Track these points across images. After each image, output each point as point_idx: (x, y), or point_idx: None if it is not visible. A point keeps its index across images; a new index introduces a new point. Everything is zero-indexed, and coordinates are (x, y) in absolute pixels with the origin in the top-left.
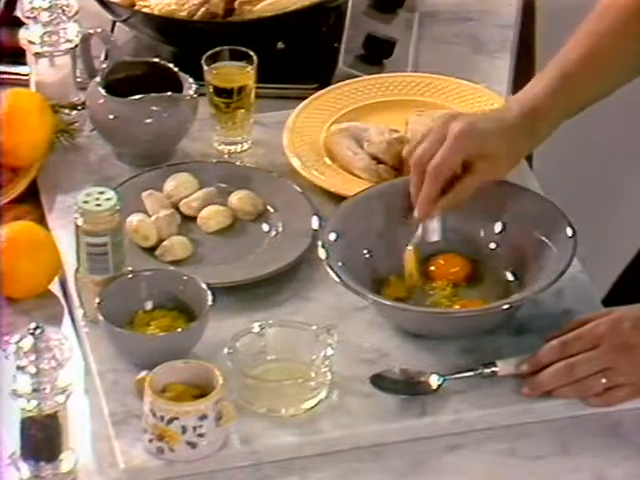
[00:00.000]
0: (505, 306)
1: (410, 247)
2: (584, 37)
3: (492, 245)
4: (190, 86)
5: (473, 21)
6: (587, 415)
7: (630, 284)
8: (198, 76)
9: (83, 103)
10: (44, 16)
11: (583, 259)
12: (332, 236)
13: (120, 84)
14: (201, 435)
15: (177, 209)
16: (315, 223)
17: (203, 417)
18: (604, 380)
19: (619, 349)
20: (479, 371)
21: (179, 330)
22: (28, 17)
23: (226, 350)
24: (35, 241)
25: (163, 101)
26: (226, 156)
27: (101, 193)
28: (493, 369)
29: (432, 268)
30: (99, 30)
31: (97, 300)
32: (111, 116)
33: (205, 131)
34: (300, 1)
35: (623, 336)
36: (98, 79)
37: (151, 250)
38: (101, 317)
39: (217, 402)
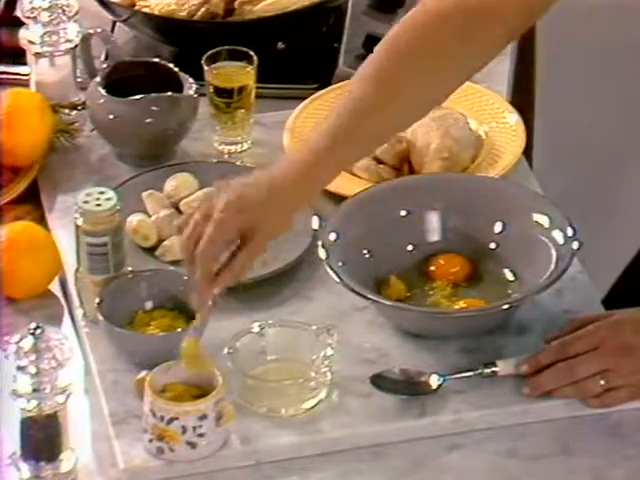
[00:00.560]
0: (505, 306)
1: (189, 335)
2: (376, 74)
3: (492, 245)
4: (190, 86)
5: None
6: (587, 415)
7: (630, 284)
8: (198, 76)
9: (83, 103)
10: (44, 16)
11: (583, 259)
12: (332, 236)
13: (120, 84)
14: (201, 435)
15: (177, 209)
16: (315, 223)
17: (203, 417)
18: (603, 382)
19: (619, 351)
20: (479, 371)
21: (179, 330)
22: (28, 17)
23: (226, 350)
24: (35, 241)
25: (163, 101)
26: (226, 156)
27: (101, 193)
28: (493, 369)
29: (432, 268)
30: (99, 30)
31: (97, 300)
32: (111, 116)
33: (205, 131)
34: (300, 1)
35: (623, 338)
36: (98, 79)
37: (151, 250)
38: (101, 317)
39: (217, 402)
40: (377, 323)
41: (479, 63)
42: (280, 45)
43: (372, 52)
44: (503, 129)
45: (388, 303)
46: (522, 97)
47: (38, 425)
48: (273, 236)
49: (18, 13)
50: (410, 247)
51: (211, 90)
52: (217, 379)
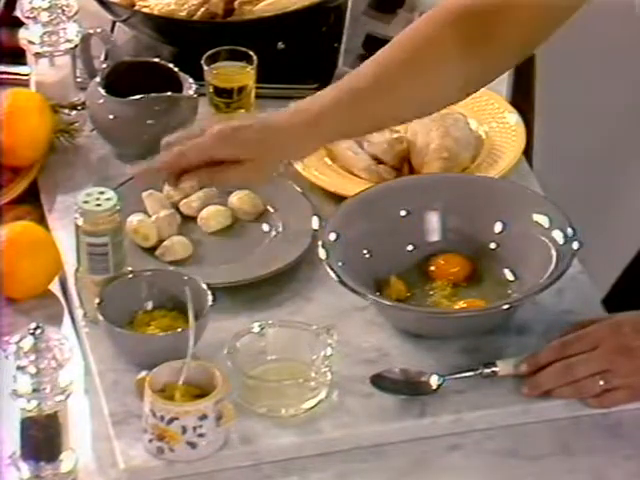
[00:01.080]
0: (505, 306)
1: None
2: (382, 56)
3: (492, 245)
4: (190, 86)
5: None
6: (587, 415)
7: (630, 284)
8: (198, 76)
9: (83, 103)
10: (44, 16)
11: (583, 259)
12: (332, 236)
13: (120, 84)
14: (201, 435)
15: (177, 209)
16: (315, 223)
17: (203, 417)
18: (602, 382)
19: (618, 351)
20: (479, 371)
21: (179, 330)
22: (28, 17)
23: (226, 350)
24: (35, 241)
25: (163, 101)
26: None
27: (101, 193)
28: (493, 369)
29: (432, 268)
30: (99, 30)
31: (97, 300)
32: (111, 116)
33: None
34: (300, 1)
35: (623, 339)
36: (98, 79)
37: (151, 250)
38: (101, 317)
39: (217, 402)
40: (377, 323)
41: (486, 73)
42: (280, 45)
43: (372, 52)
44: (503, 129)
45: (388, 303)
46: (522, 97)
47: (38, 425)
48: (245, 179)
49: (18, 13)
50: (410, 247)
51: (211, 90)
52: (217, 379)
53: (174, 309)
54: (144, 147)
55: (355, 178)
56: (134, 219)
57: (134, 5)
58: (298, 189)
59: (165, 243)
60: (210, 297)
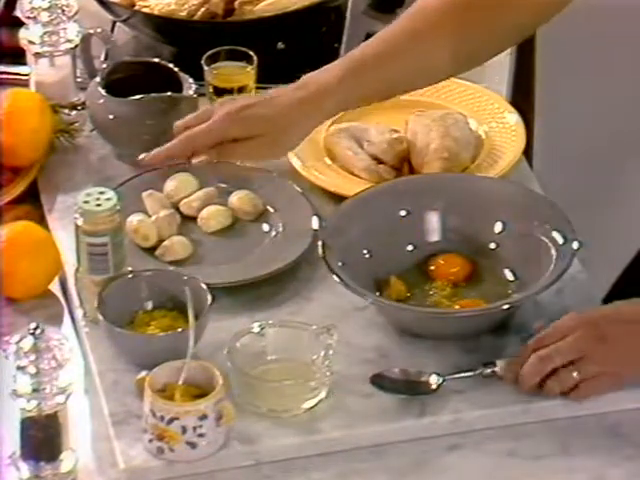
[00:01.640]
0: (505, 306)
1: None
2: (389, 34)
3: (492, 245)
4: (190, 86)
5: None
6: (587, 415)
7: (630, 284)
8: (198, 76)
9: (83, 103)
10: (44, 16)
11: (583, 259)
12: (332, 236)
13: (120, 84)
14: (201, 435)
15: (177, 209)
16: (315, 223)
17: (203, 417)
18: (575, 373)
19: (591, 338)
20: (479, 371)
21: (179, 330)
22: (28, 17)
23: (226, 350)
24: (35, 241)
25: (163, 101)
26: None
27: (101, 193)
28: (493, 369)
29: (432, 268)
30: (99, 30)
31: (97, 300)
32: (111, 116)
33: None
34: (300, 1)
35: (595, 328)
36: (98, 79)
37: (151, 250)
38: (101, 317)
39: (217, 402)
40: (377, 323)
41: (483, 51)
42: (280, 45)
43: None
44: (503, 129)
45: (388, 303)
46: (522, 97)
47: (38, 425)
48: (258, 154)
49: (18, 13)
50: (410, 247)
51: (211, 90)
52: (217, 379)
53: (174, 309)
54: (144, 147)
55: (355, 178)
56: (134, 219)
57: (134, 5)
58: (298, 189)
59: (165, 243)
60: (210, 297)
